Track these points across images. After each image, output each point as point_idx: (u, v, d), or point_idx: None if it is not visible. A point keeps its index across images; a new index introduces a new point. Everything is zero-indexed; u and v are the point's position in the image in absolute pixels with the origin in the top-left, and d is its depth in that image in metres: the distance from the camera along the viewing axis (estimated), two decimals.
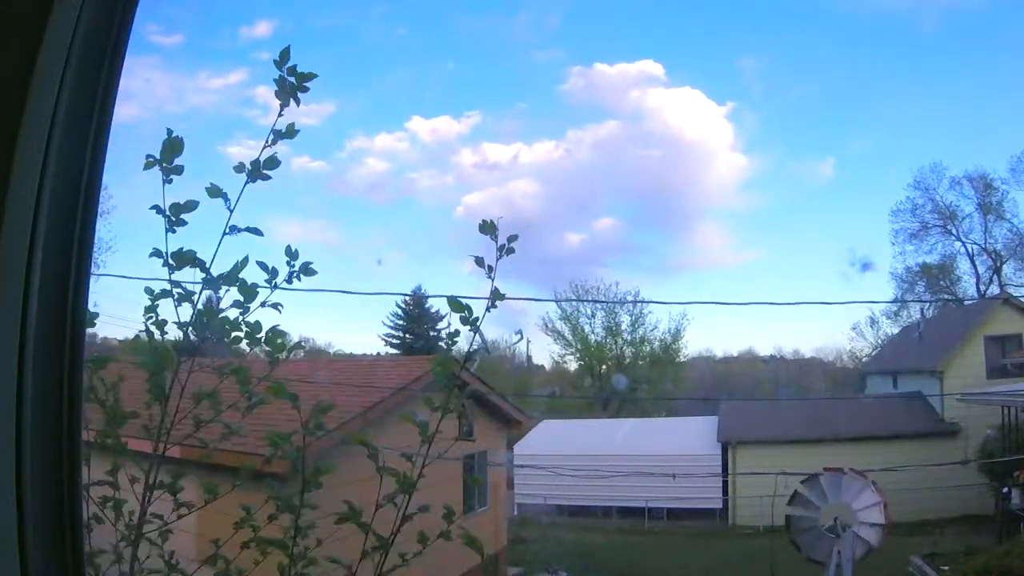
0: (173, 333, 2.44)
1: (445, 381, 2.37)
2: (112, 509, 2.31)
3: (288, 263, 2.48)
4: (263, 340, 2.45)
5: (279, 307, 2.46)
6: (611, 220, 37.67)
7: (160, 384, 2.33)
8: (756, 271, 36.17)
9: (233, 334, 2.45)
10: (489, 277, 2.37)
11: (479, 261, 2.36)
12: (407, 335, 34.44)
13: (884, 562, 13.64)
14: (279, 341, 2.48)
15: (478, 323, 2.34)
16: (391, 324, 34.59)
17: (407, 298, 32.50)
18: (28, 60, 0.95)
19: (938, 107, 30.27)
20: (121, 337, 2.43)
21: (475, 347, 2.44)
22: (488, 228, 2.37)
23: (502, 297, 2.38)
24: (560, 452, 20.95)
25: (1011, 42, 26.94)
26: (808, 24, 28.46)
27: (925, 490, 17.35)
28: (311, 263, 2.49)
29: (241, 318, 2.42)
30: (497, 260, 2.36)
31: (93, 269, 1.15)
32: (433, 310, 33.83)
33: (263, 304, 2.42)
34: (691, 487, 20.89)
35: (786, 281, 36.16)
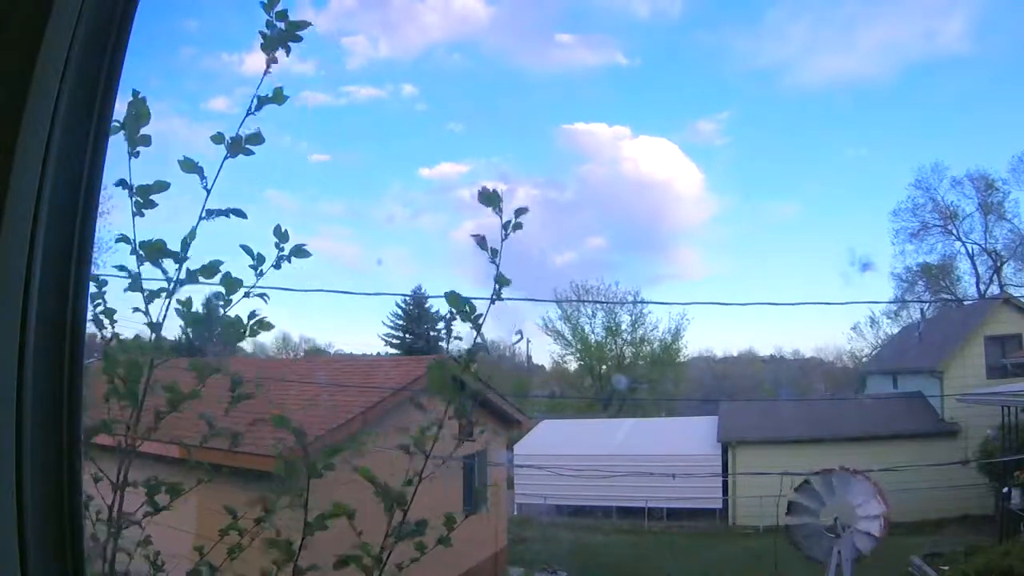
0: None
1: (440, 386, 2.03)
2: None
3: (277, 246, 2.16)
4: (245, 334, 2.15)
5: (265, 297, 2.14)
6: (601, 239, 41.44)
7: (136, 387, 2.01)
8: (744, 279, 37.72)
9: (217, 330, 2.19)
10: (492, 262, 1.99)
11: (480, 242, 1.98)
12: (407, 335, 34.47)
13: (884, 562, 13.63)
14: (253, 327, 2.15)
15: (480, 320, 2.03)
16: (391, 324, 34.66)
17: (407, 298, 32.55)
18: (28, 60, 0.94)
19: (923, 119, 35.61)
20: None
21: (475, 346, 2.10)
22: (490, 198, 1.96)
23: (507, 282, 2.01)
24: (560, 452, 20.95)
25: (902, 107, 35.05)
26: (749, 100, 37.29)
27: (925, 490, 17.35)
28: (304, 245, 2.18)
29: (223, 312, 2.14)
30: (503, 239, 1.98)
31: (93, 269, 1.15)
32: (433, 310, 33.88)
33: (247, 295, 2.12)
34: (691, 487, 20.88)
35: (785, 283, 36.40)
